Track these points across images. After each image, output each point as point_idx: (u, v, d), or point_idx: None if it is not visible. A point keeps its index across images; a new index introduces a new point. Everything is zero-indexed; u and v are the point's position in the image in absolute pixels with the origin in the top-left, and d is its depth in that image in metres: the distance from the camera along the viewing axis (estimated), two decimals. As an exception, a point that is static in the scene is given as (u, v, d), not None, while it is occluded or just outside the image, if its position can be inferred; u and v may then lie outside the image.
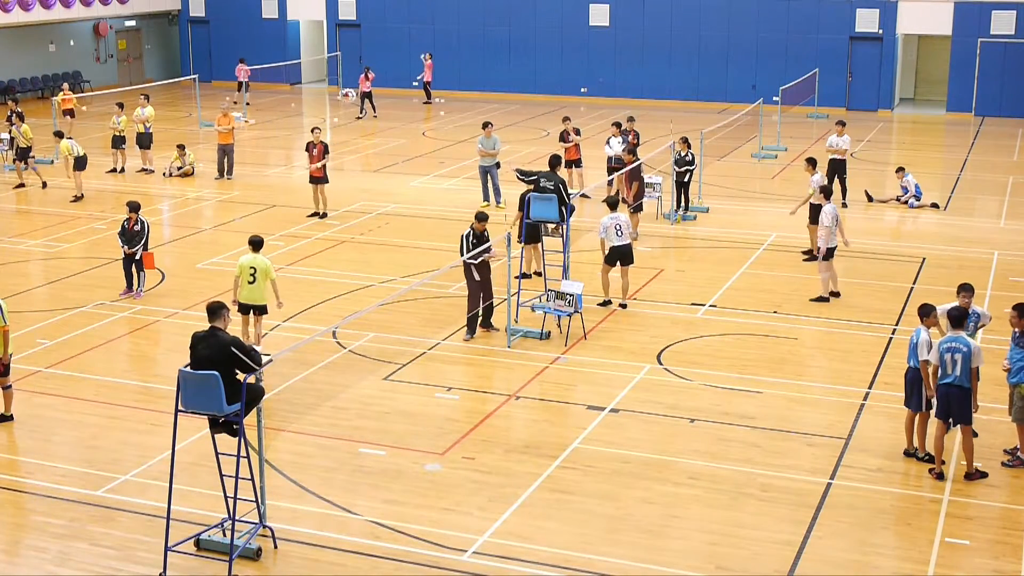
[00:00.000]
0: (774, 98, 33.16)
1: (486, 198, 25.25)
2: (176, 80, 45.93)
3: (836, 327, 17.46)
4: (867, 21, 39.76)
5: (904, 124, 38.94)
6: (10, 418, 13.93)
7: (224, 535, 10.90)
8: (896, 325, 17.46)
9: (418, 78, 43.47)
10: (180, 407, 10.63)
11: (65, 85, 35.95)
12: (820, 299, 18.49)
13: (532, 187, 17.99)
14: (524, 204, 18.11)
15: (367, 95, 38.50)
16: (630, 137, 25.30)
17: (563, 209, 17.49)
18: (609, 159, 24.91)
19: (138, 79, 46.05)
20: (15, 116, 28.09)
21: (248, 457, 10.66)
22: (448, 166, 30.06)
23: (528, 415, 14.35)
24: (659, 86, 41.94)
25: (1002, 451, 12.97)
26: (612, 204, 18.08)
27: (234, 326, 13.44)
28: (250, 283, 15.72)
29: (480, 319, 16.79)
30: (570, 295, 16.35)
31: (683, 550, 11.03)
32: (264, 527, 11.05)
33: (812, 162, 21.16)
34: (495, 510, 11.74)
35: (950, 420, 12.38)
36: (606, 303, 18.10)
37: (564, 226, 17.61)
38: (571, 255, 18.03)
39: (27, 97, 41.19)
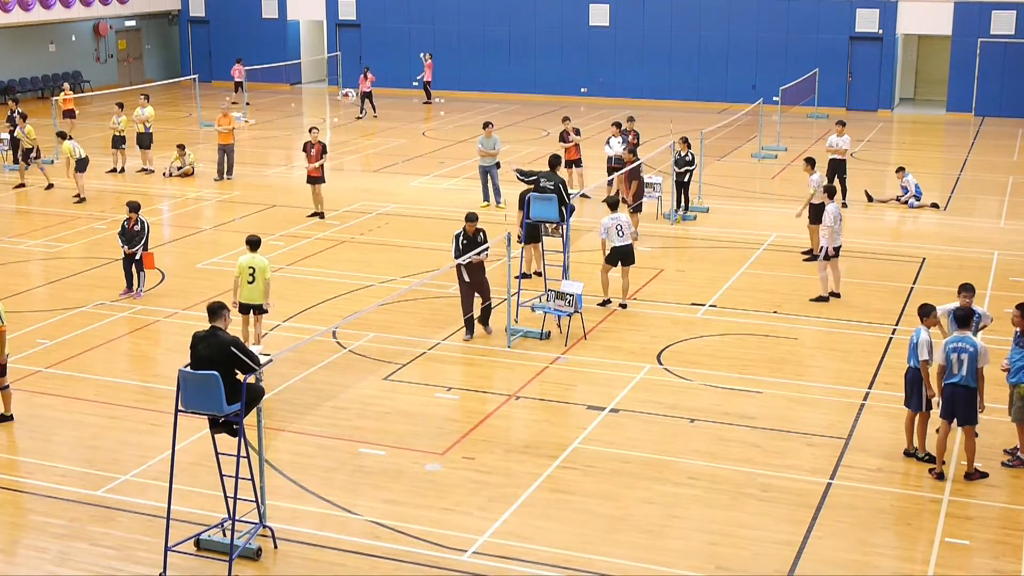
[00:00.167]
0: (774, 98, 33.16)
1: (486, 198, 25.25)
2: (176, 80, 45.94)
3: (836, 327, 17.46)
4: (867, 21, 39.76)
5: (904, 124, 38.95)
6: (10, 418, 13.94)
7: (224, 535, 10.90)
8: (896, 325, 17.46)
9: (418, 78, 43.47)
10: (180, 407, 10.63)
11: (66, 85, 35.95)
12: (820, 299, 18.49)
13: (532, 187, 17.99)
14: (524, 204, 18.12)
15: (367, 95, 38.51)
16: (630, 137, 25.30)
17: (563, 209, 17.49)
18: (609, 159, 24.91)
19: (138, 79, 46.06)
20: (19, 117, 28.10)
21: (248, 457, 10.66)
22: (448, 166, 30.06)
23: (528, 415, 14.35)
24: (659, 86, 41.94)
25: (1002, 451, 12.98)
26: (612, 204, 18.08)
27: (234, 326, 13.44)
28: (249, 283, 15.73)
29: (479, 318, 16.77)
30: (570, 295, 16.35)
31: (683, 550, 11.03)
32: (264, 527, 11.05)
33: (811, 162, 21.16)
34: (495, 510, 11.74)
35: (955, 421, 12.38)
36: (606, 303, 18.10)
37: (564, 226, 17.61)
38: (571, 255, 18.03)
39: (27, 97, 41.18)
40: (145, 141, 29.19)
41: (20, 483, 12.45)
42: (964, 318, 12.46)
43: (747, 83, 40.23)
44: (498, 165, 25.17)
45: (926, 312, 12.83)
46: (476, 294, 16.63)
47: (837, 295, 18.60)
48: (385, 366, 15.77)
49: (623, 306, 18.13)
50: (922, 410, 12.70)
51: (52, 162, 29.62)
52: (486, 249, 16.36)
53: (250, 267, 15.73)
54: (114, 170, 29.18)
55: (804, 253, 21.12)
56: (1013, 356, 12.46)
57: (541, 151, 30.39)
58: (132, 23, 47.27)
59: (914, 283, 19.64)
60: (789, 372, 15.62)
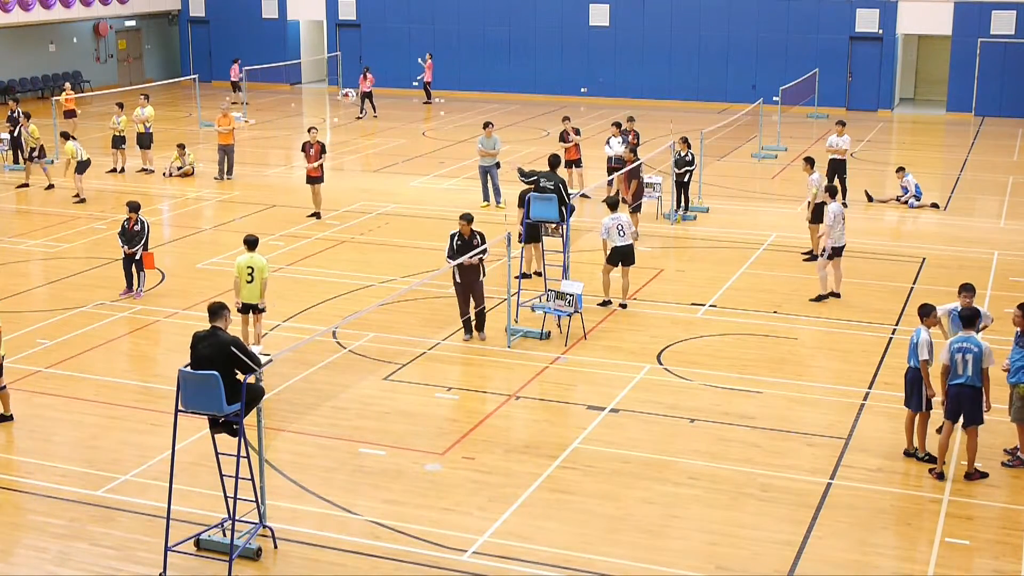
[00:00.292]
0: (774, 98, 33.16)
1: (486, 198, 25.25)
2: (176, 80, 45.93)
3: (836, 327, 17.46)
4: (867, 21, 39.76)
5: (904, 124, 38.95)
6: (10, 418, 13.94)
7: (224, 535, 10.90)
8: (896, 325, 17.46)
9: (418, 78, 43.47)
10: (180, 407, 10.63)
11: (67, 85, 35.96)
12: (819, 298, 18.50)
13: (532, 187, 18.00)
14: (524, 204, 18.12)
15: (367, 95, 38.51)
16: (630, 137, 25.30)
17: (563, 209, 17.49)
18: (609, 159, 24.90)
19: (138, 79, 46.06)
20: (23, 116, 28.10)
21: (248, 457, 10.66)
22: (448, 166, 30.06)
23: (528, 415, 14.35)
24: (659, 86, 41.94)
25: (1002, 451, 12.98)
26: (612, 205, 18.08)
27: (233, 326, 13.43)
28: (248, 283, 15.73)
29: (474, 324, 16.66)
30: (570, 295, 16.35)
31: (683, 550, 11.03)
32: (264, 527, 11.05)
33: (810, 161, 21.17)
34: (495, 510, 11.74)
35: (959, 421, 12.39)
36: (606, 303, 18.10)
37: (564, 226, 17.61)
38: (571, 255, 18.03)
39: (27, 97, 41.18)
40: (145, 141, 29.18)
41: (20, 483, 12.45)
42: (969, 318, 12.45)
43: (747, 83, 40.23)
44: (498, 165, 25.17)
45: (926, 312, 12.83)
46: (471, 296, 16.52)
47: (837, 295, 18.60)
48: (385, 366, 15.77)
49: (623, 306, 18.13)
50: (922, 410, 12.70)
51: (52, 162, 29.61)
52: (481, 253, 16.20)
53: (248, 267, 15.74)
54: (114, 170, 29.18)
55: (804, 253, 21.13)
56: (1013, 356, 12.46)
57: (541, 151, 30.38)
58: (132, 23, 47.27)
59: (914, 283, 19.64)
60: (789, 372, 15.62)
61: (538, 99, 42.60)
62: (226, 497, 10.86)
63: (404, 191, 27.11)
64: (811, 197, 20.53)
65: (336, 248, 21.95)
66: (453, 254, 16.26)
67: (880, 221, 24.67)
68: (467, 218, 16.39)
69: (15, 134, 29.28)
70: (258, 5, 46.71)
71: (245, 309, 15.86)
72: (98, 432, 13.73)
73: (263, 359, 11.02)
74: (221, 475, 10.90)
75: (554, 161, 19.51)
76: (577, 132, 25.94)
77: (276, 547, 11.00)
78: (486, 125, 25.22)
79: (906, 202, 25.58)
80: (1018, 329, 12.59)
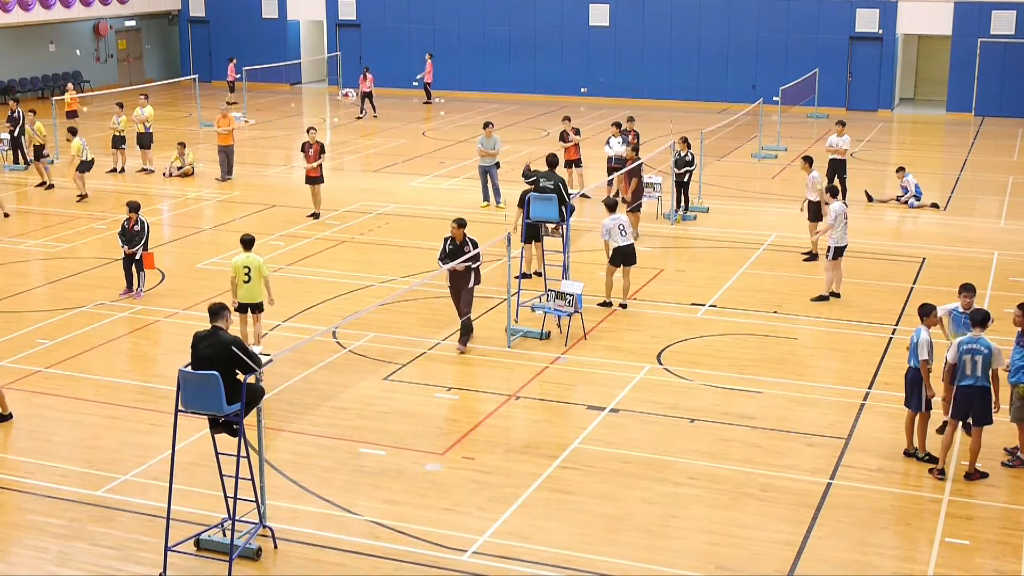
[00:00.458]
0: (774, 98, 33.16)
1: (486, 198, 25.26)
2: (176, 80, 45.93)
3: (836, 327, 17.46)
4: (867, 21, 39.76)
5: (904, 124, 38.95)
6: (9, 416, 13.94)
7: (224, 535, 10.90)
8: (896, 325, 17.46)
9: (418, 77, 43.45)
10: (180, 407, 10.63)
11: (70, 85, 36.01)
12: (820, 298, 18.49)
13: (532, 187, 18.00)
14: (524, 204, 18.11)
15: (367, 95, 38.51)
16: (630, 137, 25.30)
17: (563, 209, 17.49)
18: (609, 159, 24.90)
19: (138, 79, 46.07)
20: (29, 114, 28.09)
21: (248, 457, 10.66)
22: (448, 166, 30.06)
23: (528, 415, 14.35)
24: (659, 86, 41.94)
25: (1002, 451, 12.97)
26: (612, 206, 18.06)
27: (232, 326, 13.42)
28: (246, 282, 15.72)
29: (461, 332, 16.27)
30: (570, 295, 16.35)
31: (683, 550, 11.03)
32: (264, 527, 11.05)
33: (809, 160, 21.19)
34: (495, 510, 11.74)
35: (968, 421, 12.39)
36: (606, 303, 18.10)
37: (564, 226, 17.60)
38: (571, 255, 18.03)
39: (27, 97, 41.17)
40: (145, 141, 29.19)
41: (20, 483, 12.44)
42: (981, 319, 12.44)
43: (747, 83, 40.23)
44: (498, 165, 25.17)
45: (926, 312, 12.82)
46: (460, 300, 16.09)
47: (837, 295, 18.60)
48: (385, 366, 15.77)
49: (623, 306, 18.13)
50: (922, 410, 12.70)
51: (53, 162, 29.62)
52: (468, 260, 15.83)
53: (245, 267, 15.74)
54: (114, 170, 29.17)
55: (804, 254, 21.13)
56: (1014, 356, 12.46)
57: (541, 151, 30.32)
58: (132, 23, 47.28)
59: (914, 283, 19.64)
60: (789, 372, 15.62)
61: (538, 99, 42.61)
62: (226, 497, 10.87)
63: (404, 191, 27.11)
64: (821, 193, 20.50)
65: (336, 248, 21.95)
66: (444, 257, 16.17)
67: (880, 221, 24.67)
68: (460, 223, 16.13)
69: (15, 134, 29.29)
70: (258, 5, 46.71)
71: (242, 309, 15.85)
72: (98, 432, 13.73)
73: (263, 359, 11.03)
74: (221, 475, 10.90)
75: (552, 161, 19.50)
76: (577, 132, 25.93)
77: (276, 547, 11.00)
78: (486, 125, 25.22)
79: (906, 202, 25.59)
80: (1019, 329, 12.59)
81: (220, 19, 47.37)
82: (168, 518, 10.68)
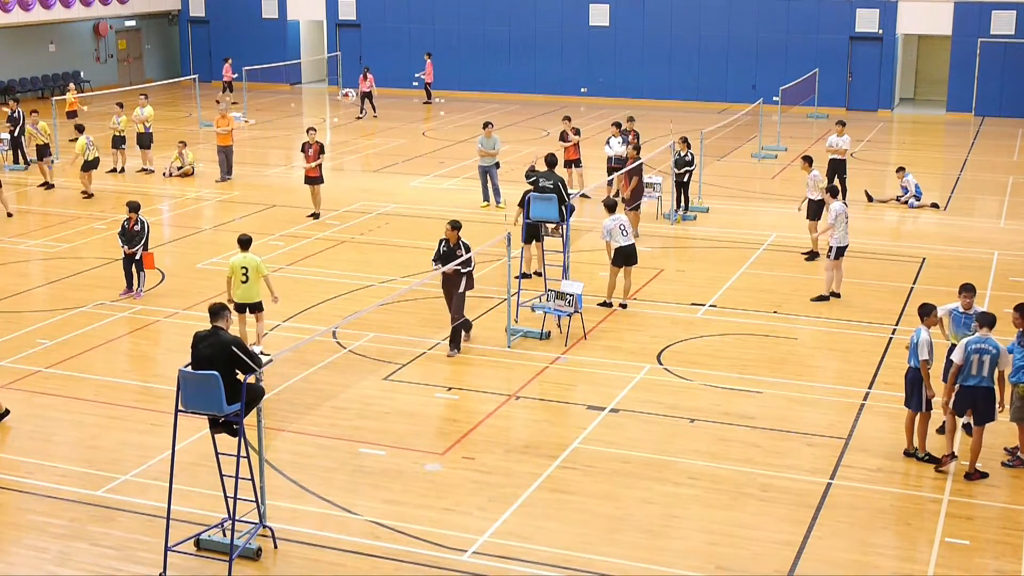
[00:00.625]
0: (774, 98, 33.16)
1: (486, 198, 25.25)
2: (176, 80, 45.93)
3: (836, 327, 17.46)
4: (867, 21, 39.76)
5: (904, 124, 38.95)
6: (7, 413, 13.93)
7: (224, 535, 10.90)
8: (896, 325, 17.46)
9: (418, 76, 43.45)
10: (180, 407, 10.63)
11: (72, 85, 36.03)
12: (820, 298, 18.50)
13: (532, 187, 18.00)
14: (524, 204, 18.11)
15: (367, 95, 38.52)
16: (630, 137, 25.29)
17: (563, 209, 17.49)
18: (609, 159, 24.90)
19: (138, 79, 46.07)
20: (32, 114, 28.08)
21: (248, 457, 10.66)
22: (448, 166, 30.06)
23: (528, 415, 14.35)
24: (659, 86, 41.94)
25: (1002, 451, 12.97)
26: (611, 206, 18.05)
27: (232, 326, 13.43)
28: (243, 282, 15.72)
29: (451, 339, 16.18)
30: (570, 295, 16.35)
31: (683, 550, 11.03)
32: (264, 527, 11.05)
33: (808, 160, 21.20)
34: (495, 510, 11.74)
35: (969, 421, 12.41)
36: (606, 303, 18.10)
37: (564, 226, 17.60)
38: (571, 255, 18.03)
39: (27, 97, 41.17)
40: (145, 141, 29.19)
41: (20, 483, 12.44)
42: (990, 321, 12.45)
43: (747, 83, 40.23)
44: (497, 165, 25.17)
45: (926, 312, 12.83)
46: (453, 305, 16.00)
47: (837, 295, 18.61)
48: (385, 366, 15.77)
49: (623, 306, 18.13)
50: (922, 410, 12.70)
51: (54, 162, 29.61)
52: (460, 264, 15.69)
53: (243, 267, 15.73)
54: (114, 170, 29.17)
55: (804, 253, 21.14)
56: (1015, 356, 12.45)
57: (541, 151, 30.27)
58: (132, 23, 47.28)
59: (914, 283, 19.64)
60: (789, 372, 15.62)
61: (538, 99, 42.61)
62: (226, 497, 10.87)
63: (404, 191, 27.11)
64: (814, 195, 20.51)
65: (336, 248, 21.95)
66: (438, 258, 16.12)
67: (880, 221, 24.67)
68: (454, 225, 16.01)
69: (15, 134, 29.29)
70: (258, 5, 46.72)
71: (240, 309, 15.84)
72: (98, 432, 13.73)
73: (263, 359, 11.03)
74: (221, 475, 10.90)
75: (551, 161, 19.49)
76: (577, 132, 25.92)
77: (276, 547, 11.00)
78: (486, 125, 25.22)
79: (906, 202, 25.59)
80: (1020, 329, 12.59)
81: (220, 19, 47.38)
82: (168, 518, 10.68)
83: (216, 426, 10.80)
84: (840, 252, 18.35)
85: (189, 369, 10.55)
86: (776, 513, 11.74)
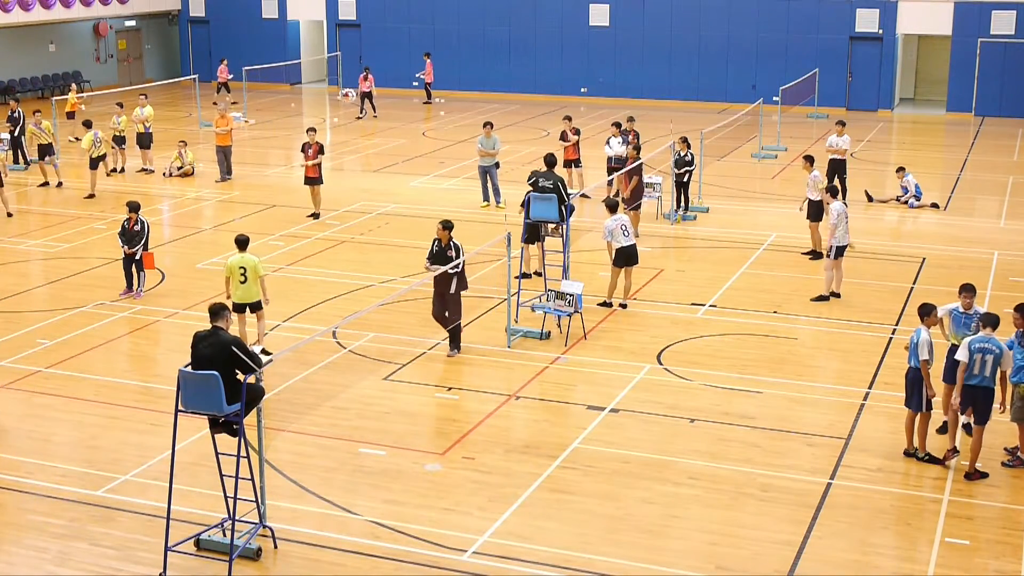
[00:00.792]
0: (774, 98, 33.16)
1: (486, 198, 25.25)
2: (176, 80, 45.93)
3: (836, 327, 17.46)
4: (867, 21, 39.76)
5: (904, 124, 38.95)
6: None
7: (224, 535, 10.91)
8: (896, 325, 17.46)
9: (418, 76, 43.45)
10: (180, 407, 10.63)
11: (74, 86, 36.05)
12: (820, 298, 18.50)
13: (531, 187, 17.99)
14: (524, 204, 18.11)
15: (367, 95, 38.52)
16: (630, 137, 25.29)
17: (563, 209, 17.48)
18: (609, 159, 24.89)
19: (138, 79, 46.06)
20: (36, 114, 28.10)
21: (248, 457, 10.66)
22: (448, 166, 30.06)
23: (528, 415, 14.35)
24: (659, 86, 41.94)
25: (1002, 451, 12.97)
26: (613, 207, 18.05)
27: (232, 326, 13.43)
28: (242, 283, 15.71)
29: (450, 340, 16.15)
30: (570, 295, 16.35)
31: (683, 550, 11.03)
32: (264, 527, 11.05)
33: (810, 160, 21.20)
34: (495, 510, 11.74)
35: (969, 421, 12.42)
36: (607, 303, 18.10)
37: (564, 226, 17.60)
38: (571, 255, 18.02)
39: (27, 97, 41.17)
40: (145, 141, 29.18)
41: (20, 483, 12.44)
42: (994, 322, 12.46)
43: (747, 83, 40.23)
44: (497, 165, 25.17)
45: (926, 312, 12.83)
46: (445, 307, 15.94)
47: (837, 295, 18.61)
48: (385, 366, 15.77)
49: (623, 306, 18.13)
50: (922, 410, 12.70)
51: (57, 163, 29.63)
52: (450, 267, 15.58)
53: (241, 267, 15.72)
54: (114, 170, 29.17)
55: (805, 253, 21.14)
56: (1015, 356, 12.45)
57: (541, 151, 30.34)
58: (132, 23, 47.27)
59: (914, 283, 19.64)
60: (789, 372, 15.62)
61: (538, 99, 42.60)
62: (226, 497, 10.86)
63: (404, 191, 27.11)
64: (814, 195, 20.50)
65: (336, 248, 21.95)
66: (431, 257, 16.07)
67: (880, 221, 24.67)
68: (446, 225, 15.92)
69: (15, 134, 29.29)
70: (258, 5, 46.71)
71: (239, 308, 15.83)
72: (98, 432, 13.73)
73: (263, 359, 11.03)
74: (221, 475, 10.90)
75: (550, 160, 19.46)
76: (577, 132, 25.91)
77: (276, 547, 11.00)
78: (486, 125, 25.22)
79: (906, 202, 25.59)
80: (1019, 330, 12.59)
81: (220, 19, 47.37)
82: (168, 518, 10.68)
83: (216, 426, 10.80)
84: (840, 252, 18.35)
85: (189, 369, 10.55)
86: (776, 513, 11.74)
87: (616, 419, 14.04)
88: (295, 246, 21.96)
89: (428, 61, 42.62)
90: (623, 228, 17.79)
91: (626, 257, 17.87)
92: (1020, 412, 12.47)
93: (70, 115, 33.79)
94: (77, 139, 32.92)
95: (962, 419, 12.75)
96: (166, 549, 10.57)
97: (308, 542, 11.17)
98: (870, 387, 15.04)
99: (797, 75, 37.56)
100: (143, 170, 29.15)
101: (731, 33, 41.07)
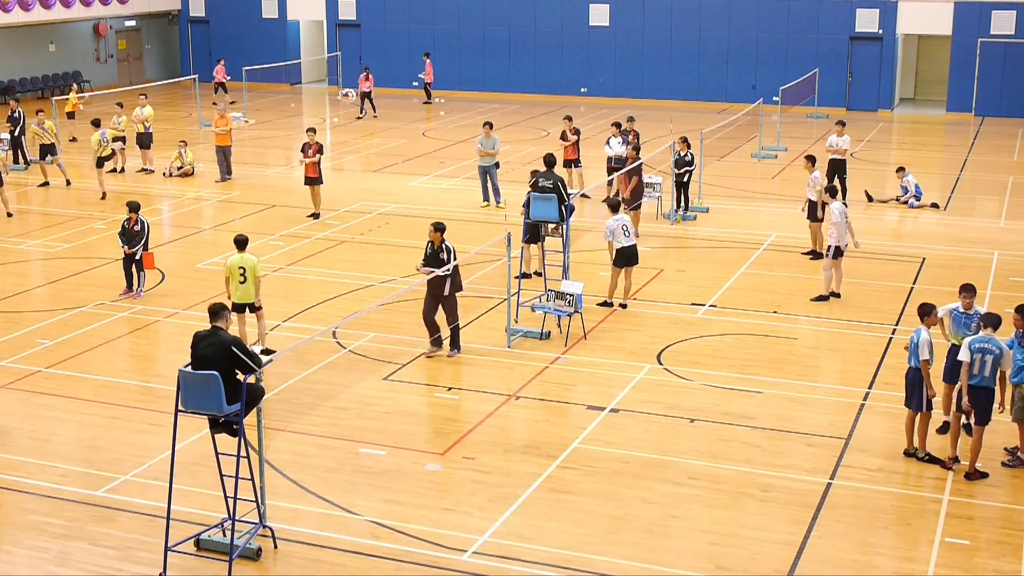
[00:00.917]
0: (774, 98, 33.17)
1: (486, 198, 25.25)
2: (176, 80, 45.93)
3: (836, 327, 17.46)
4: (867, 21, 39.77)
5: (904, 124, 38.95)
6: None
7: (224, 535, 10.91)
8: (896, 325, 17.46)
9: (419, 76, 43.45)
10: (180, 407, 10.63)
11: (74, 86, 36.04)
12: (820, 298, 18.50)
13: (532, 188, 17.99)
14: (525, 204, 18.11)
15: (367, 95, 38.52)
16: (630, 137, 25.29)
17: (563, 208, 17.48)
18: (609, 159, 24.89)
19: (138, 79, 46.06)
20: (40, 114, 28.12)
21: (248, 457, 10.66)
22: (448, 166, 30.06)
23: (528, 415, 14.35)
24: (659, 86, 41.95)
25: (1002, 451, 12.97)
26: (615, 206, 18.05)
27: (231, 326, 13.43)
28: (241, 283, 15.71)
29: (448, 340, 16.15)
30: (570, 295, 16.35)
31: (683, 550, 11.03)
32: (264, 527, 11.05)
33: (812, 160, 21.20)
34: (495, 510, 11.74)
35: (970, 422, 12.42)
36: (607, 303, 18.10)
37: (564, 226, 17.60)
38: (571, 255, 18.02)
39: (27, 97, 41.16)
40: (145, 141, 29.18)
41: (20, 483, 12.44)
42: (995, 322, 12.46)
43: (747, 83, 40.25)
44: (497, 165, 25.17)
45: (926, 312, 12.83)
46: (442, 308, 15.91)
47: (837, 295, 18.61)
48: (385, 366, 15.77)
49: (623, 306, 18.13)
50: (922, 410, 12.70)
51: (51, 162, 29.63)
52: (441, 271, 15.47)
53: (240, 267, 15.72)
54: (114, 170, 29.16)
55: (804, 253, 21.14)
56: (1015, 356, 12.45)
57: (541, 151, 30.33)
58: (132, 23, 47.27)
59: (914, 283, 19.64)
60: (789, 372, 15.62)
61: (538, 99, 42.60)
62: (226, 497, 10.86)
63: (404, 191, 27.11)
64: (820, 195, 20.49)
65: (336, 248, 21.95)
66: (426, 260, 16.01)
67: (880, 221, 24.67)
68: (437, 227, 15.84)
69: (15, 134, 29.30)
70: (258, 5, 46.71)
71: (238, 308, 15.83)
72: (98, 432, 13.73)
73: (264, 359, 11.03)
74: (221, 475, 10.90)
75: (550, 160, 19.45)
76: (577, 132, 25.90)
77: (276, 547, 11.00)
78: (485, 125, 25.22)
79: (906, 202, 25.59)
80: (1019, 330, 12.59)
81: (220, 19, 47.37)
82: (168, 518, 10.68)
83: (216, 426, 10.80)
84: (839, 251, 18.35)
85: (189, 369, 10.55)
86: (776, 513, 11.74)
87: (616, 419, 14.04)
88: (295, 246, 21.96)
89: (428, 61, 42.64)
90: (624, 228, 17.79)
91: (626, 257, 17.87)
92: (1021, 412, 12.46)
93: (70, 115, 33.79)
94: (75, 139, 32.95)
95: (961, 420, 12.75)
96: (166, 549, 10.57)
97: (308, 542, 11.17)
98: (870, 387, 15.04)
99: (797, 75, 37.57)
100: (143, 170, 29.15)
101: (731, 33, 41.08)
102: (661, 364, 15.84)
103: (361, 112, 38.82)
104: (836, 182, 23.72)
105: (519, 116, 39.00)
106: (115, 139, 28.85)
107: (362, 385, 15.13)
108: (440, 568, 10.71)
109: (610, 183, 23.31)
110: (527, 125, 37.12)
